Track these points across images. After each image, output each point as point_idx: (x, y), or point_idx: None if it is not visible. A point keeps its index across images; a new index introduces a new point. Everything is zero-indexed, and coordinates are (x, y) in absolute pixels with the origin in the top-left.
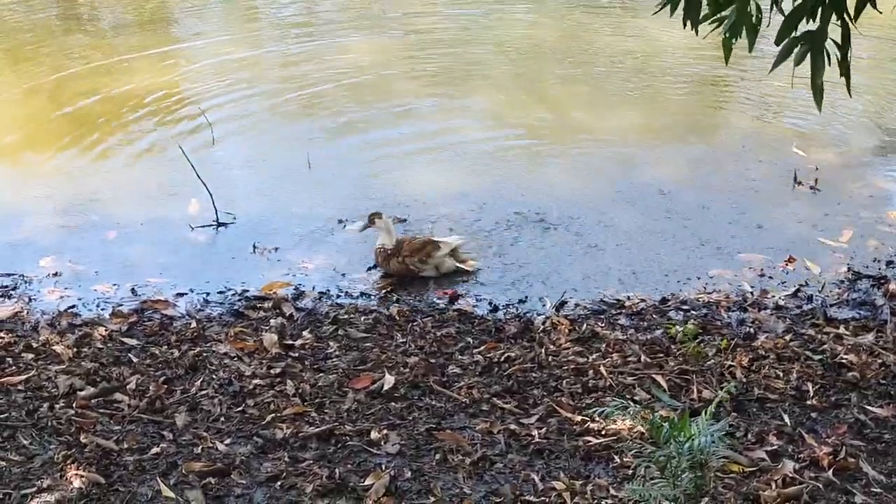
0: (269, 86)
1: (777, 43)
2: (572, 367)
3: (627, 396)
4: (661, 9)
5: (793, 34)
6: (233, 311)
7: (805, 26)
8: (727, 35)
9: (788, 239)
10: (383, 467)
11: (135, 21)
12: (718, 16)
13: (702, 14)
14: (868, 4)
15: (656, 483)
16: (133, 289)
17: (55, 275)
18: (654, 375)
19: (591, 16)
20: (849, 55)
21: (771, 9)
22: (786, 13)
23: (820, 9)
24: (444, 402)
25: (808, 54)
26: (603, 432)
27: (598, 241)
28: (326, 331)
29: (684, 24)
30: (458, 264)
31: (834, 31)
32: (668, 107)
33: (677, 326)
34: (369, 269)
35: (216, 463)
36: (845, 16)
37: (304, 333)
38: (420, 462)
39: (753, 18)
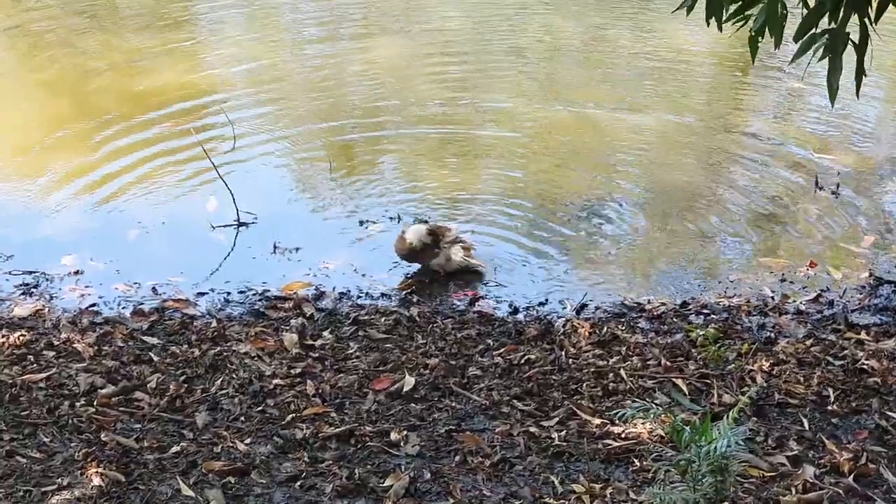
0: (291, 85)
1: (795, 40)
2: (592, 370)
3: (648, 400)
4: (679, 8)
5: (811, 31)
6: (253, 311)
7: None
8: (754, 33)
9: (810, 244)
10: (403, 468)
11: (155, 21)
12: (744, 14)
13: (728, 12)
14: (890, 5)
15: (676, 487)
16: (154, 287)
17: (76, 273)
18: (674, 379)
19: (611, 17)
20: (865, 57)
21: (801, 7)
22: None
23: (840, 8)
24: (463, 403)
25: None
26: (623, 436)
27: (618, 244)
28: (347, 331)
29: (707, 22)
30: (466, 258)
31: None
32: (689, 109)
33: (698, 330)
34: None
35: (236, 462)
36: (866, 18)
37: (325, 334)
38: (440, 463)
39: (780, 14)
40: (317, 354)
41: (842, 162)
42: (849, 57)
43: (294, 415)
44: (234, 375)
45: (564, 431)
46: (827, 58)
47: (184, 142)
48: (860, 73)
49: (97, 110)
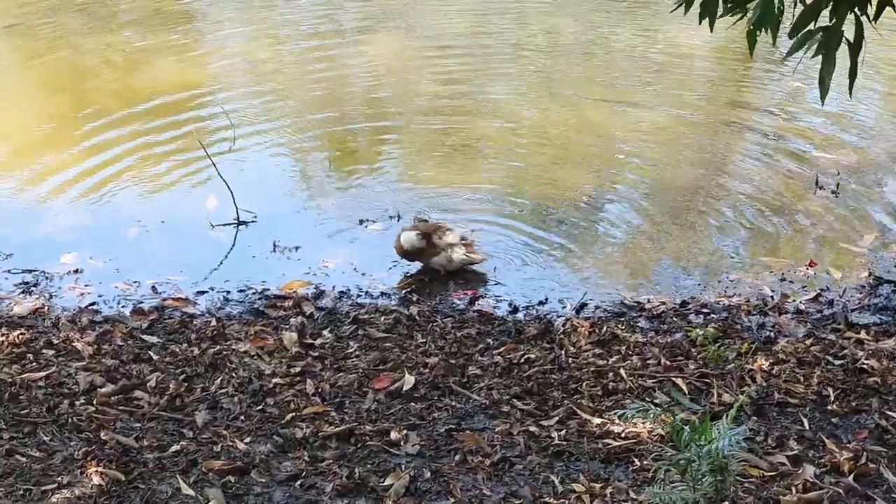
0: (290, 83)
1: (791, 37)
2: (592, 369)
3: (647, 399)
4: (677, 7)
5: (807, 28)
6: (253, 310)
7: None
8: (752, 27)
9: (810, 243)
10: (403, 468)
11: (155, 19)
12: (742, 9)
13: (721, 10)
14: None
15: (676, 486)
16: (154, 286)
17: (76, 271)
18: (674, 378)
19: (610, 16)
20: (859, 56)
21: (795, 4)
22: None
23: (838, 5)
24: (463, 402)
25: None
26: (623, 435)
27: (618, 243)
28: (346, 330)
29: (700, 21)
30: (468, 255)
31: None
32: (688, 108)
33: (697, 330)
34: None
35: (236, 461)
36: (863, 16)
37: (324, 333)
38: (439, 463)
39: (776, 9)
40: (316, 353)
41: (842, 161)
42: (844, 54)
43: (294, 414)
44: (233, 374)
45: (564, 431)
46: (820, 55)
47: (183, 140)
48: (854, 71)
49: (96, 108)
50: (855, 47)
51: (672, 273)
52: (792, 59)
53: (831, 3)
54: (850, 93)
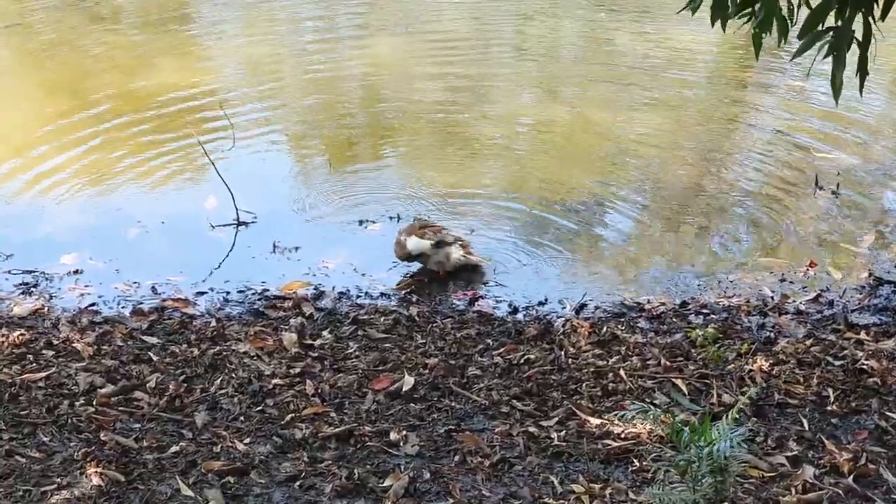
0: (290, 84)
1: (800, 38)
2: (592, 369)
3: (647, 400)
4: (685, 9)
5: (816, 29)
6: (252, 311)
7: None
8: (756, 30)
9: (810, 243)
10: (402, 468)
11: (157, 20)
12: (746, 11)
13: (731, 9)
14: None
15: (676, 487)
16: (153, 287)
17: (76, 272)
18: (673, 379)
19: (612, 16)
20: (868, 55)
21: (799, 5)
22: (813, 7)
23: (846, 6)
24: (463, 403)
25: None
26: (622, 436)
27: (618, 243)
28: (346, 331)
29: (712, 23)
30: (466, 256)
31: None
32: (689, 109)
33: (697, 330)
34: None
35: (235, 462)
36: (870, 16)
37: (324, 333)
38: (439, 463)
39: (784, 11)
40: (316, 354)
41: (842, 161)
42: (851, 55)
43: (293, 414)
44: (233, 375)
45: (564, 431)
46: (831, 56)
47: (183, 141)
48: (863, 70)
49: (96, 108)
50: (864, 47)
51: (672, 273)
52: (798, 59)
53: (838, 5)
54: (861, 92)
